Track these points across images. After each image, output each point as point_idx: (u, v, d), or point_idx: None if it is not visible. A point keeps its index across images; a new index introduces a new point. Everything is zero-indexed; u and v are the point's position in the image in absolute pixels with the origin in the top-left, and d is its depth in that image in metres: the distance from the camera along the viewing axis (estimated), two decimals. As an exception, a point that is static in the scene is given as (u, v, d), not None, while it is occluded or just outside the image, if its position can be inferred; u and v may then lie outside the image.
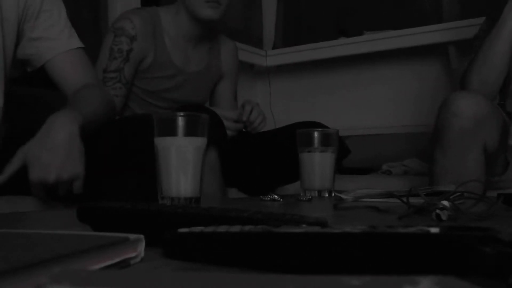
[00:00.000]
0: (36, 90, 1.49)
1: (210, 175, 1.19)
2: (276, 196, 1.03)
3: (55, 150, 0.94)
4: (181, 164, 0.84)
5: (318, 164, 1.19)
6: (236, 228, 0.36)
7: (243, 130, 1.61)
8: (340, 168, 1.94)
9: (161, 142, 0.85)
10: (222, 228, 0.36)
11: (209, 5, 1.48)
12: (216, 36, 1.71)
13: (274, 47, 2.81)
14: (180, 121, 0.84)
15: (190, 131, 0.84)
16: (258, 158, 1.58)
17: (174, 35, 1.57)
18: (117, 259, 0.33)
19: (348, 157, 1.56)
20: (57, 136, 0.95)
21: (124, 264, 0.34)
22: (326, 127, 1.48)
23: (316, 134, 1.20)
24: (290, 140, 1.28)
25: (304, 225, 0.38)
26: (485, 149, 1.40)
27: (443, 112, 1.41)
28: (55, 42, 1.19)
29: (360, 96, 2.53)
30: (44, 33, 1.18)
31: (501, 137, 1.44)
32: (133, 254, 0.35)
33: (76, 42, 1.23)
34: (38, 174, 0.94)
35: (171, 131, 0.84)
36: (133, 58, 1.50)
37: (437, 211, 0.64)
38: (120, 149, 1.16)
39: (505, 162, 1.49)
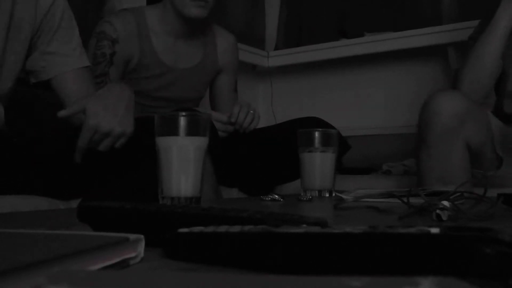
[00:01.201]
0: (35, 90, 1.49)
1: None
2: (276, 196, 1.03)
3: (117, 106, 1.05)
4: (182, 164, 0.84)
5: (318, 164, 1.19)
6: (236, 228, 0.35)
7: (236, 130, 1.58)
8: (341, 168, 1.94)
9: (162, 141, 0.85)
10: (222, 228, 0.36)
11: (195, 4, 1.46)
12: (211, 29, 1.68)
13: (276, 48, 2.81)
14: (182, 121, 0.84)
15: (191, 131, 0.84)
16: (257, 155, 1.57)
17: (161, 33, 1.56)
18: (116, 259, 0.33)
19: (349, 157, 1.56)
20: (119, 96, 1.07)
21: (123, 264, 0.34)
22: (325, 122, 1.48)
23: (316, 134, 1.20)
24: (290, 136, 1.27)
25: (304, 225, 0.38)
26: (468, 145, 1.43)
27: (424, 111, 1.44)
28: (67, 59, 1.21)
29: (361, 96, 2.54)
30: (59, 48, 1.20)
31: (485, 133, 1.45)
32: (133, 254, 0.35)
33: (84, 62, 1.26)
34: (95, 121, 1.02)
35: (172, 131, 0.84)
36: (117, 61, 1.49)
37: (438, 211, 0.64)
38: (121, 149, 1.16)
39: (498, 157, 1.50)
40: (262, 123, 1.74)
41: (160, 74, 1.57)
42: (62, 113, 1.05)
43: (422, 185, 1.41)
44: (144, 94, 1.57)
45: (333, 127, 1.38)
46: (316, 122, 1.45)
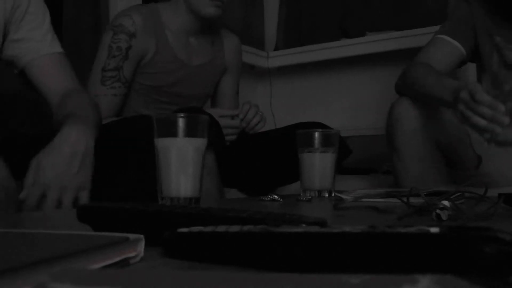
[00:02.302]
0: (23, 89, 1.48)
1: (208, 178, 1.19)
2: (276, 196, 1.03)
3: (72, 160, 0.96)
4: (181, 165, 0.84)
5: (318, 164, 1.19)
6: (235, 228, 0.36)
7: (243, 130, 1.60)
8: (340, 168, 1.94)
9: (161, 142, 0.85)
10: (221, 228, 0.36)
11: (213, 4, 1.48)
12: (218, 30, 1.71)
13: (275, 49, 2.81)
14: (180, 122, 0.84)
15: (190, 132, 0.84)
16: (258, 158, 1.57)
17: (175, 30, 1.57)
18: (117, 259, 0.33)
19: (348, 157, 1.56)
20: (75, 147, 0.98)
21: (124, 264, 0.34)
22: (328, 127, 1.48)
23: (316, 134, 1.20)
24: (291, 140, 1.28)
25: (303, 225, 0.38)
26: (438, 143, 1.45)
27: (388, 119, 1.48)
28: (37, 44, 1.18)
29: (362, 96, 2.53)
30: (26, 34, 1.17)
31: (455, 131, 1.46)
32: (133, 254, 0.35)
33: (58, 47, 1.22)
34: (49, 181, 0.94)
35: (171, 132, 0.84)
36: (133, 56, 1.49)
37: (437, 211, 0.64)
38: (120, 150, 1.16)
39: (477, 156, 1.50)
40: (261, 124, 1.74)
41: (174, 69, 1.58)
42: (22, 196, 0.94)
43: (400, 187, 1.43)
44: (156, 89, 1.58)
45: None
46: (318, 127, 1.45)
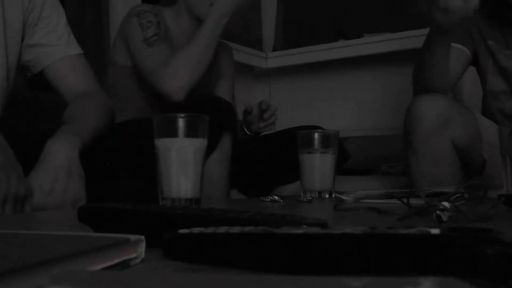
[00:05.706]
0: (34, 92, 1.49)
1: (221, 165, 1.21)
2: (276, 197, 1.03)
3: (56, 175, 0.95)
4: (182, 165, 0.84)
5: (318, 165, 1.19)
6: (236, 229, 0.36)
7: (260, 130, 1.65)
8: (340, 169, 1.94)
9: (161, 143, 0.85)
10: (222, 229, 0.36)
11: None
12: None
13: (274, 49, 2.81)
14: (181, 122, 0.84)
15: (191, 132, 0.84)
16: (258, 159, 1.58)
17: (176, 34, 1.57)
18: (117, 260, 0.33)
19: (348, 161, 1.57)
20: (56, 162, 0.95)
21: (124, 265, 0.34)
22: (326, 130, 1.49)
23: (316, 135, 1.20)
24: (290, 143, 1.28)
25: (304, 226, 0.38)
26: (455, 145, 1.43)
27: (407, 117, 1.45)
28: (53, 49, 1.18)
29: (360, 97, 2.54)
30: (42, 40, 1.17)
31: (472, 132, 1.45)
32: (134, 255, 0.35)
33: (75, 49, 1.22)
34: (42, 201, 0.93)
35: (172, 132, 0.84)
36: (162, 30, 1.49)
37: (438, 212, 0.63)
38: (121, 150, 1.16)
39: (483, 160, 1.50)
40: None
41: None
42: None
43: (414, 187, 1.41)
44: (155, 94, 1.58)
45: None
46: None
